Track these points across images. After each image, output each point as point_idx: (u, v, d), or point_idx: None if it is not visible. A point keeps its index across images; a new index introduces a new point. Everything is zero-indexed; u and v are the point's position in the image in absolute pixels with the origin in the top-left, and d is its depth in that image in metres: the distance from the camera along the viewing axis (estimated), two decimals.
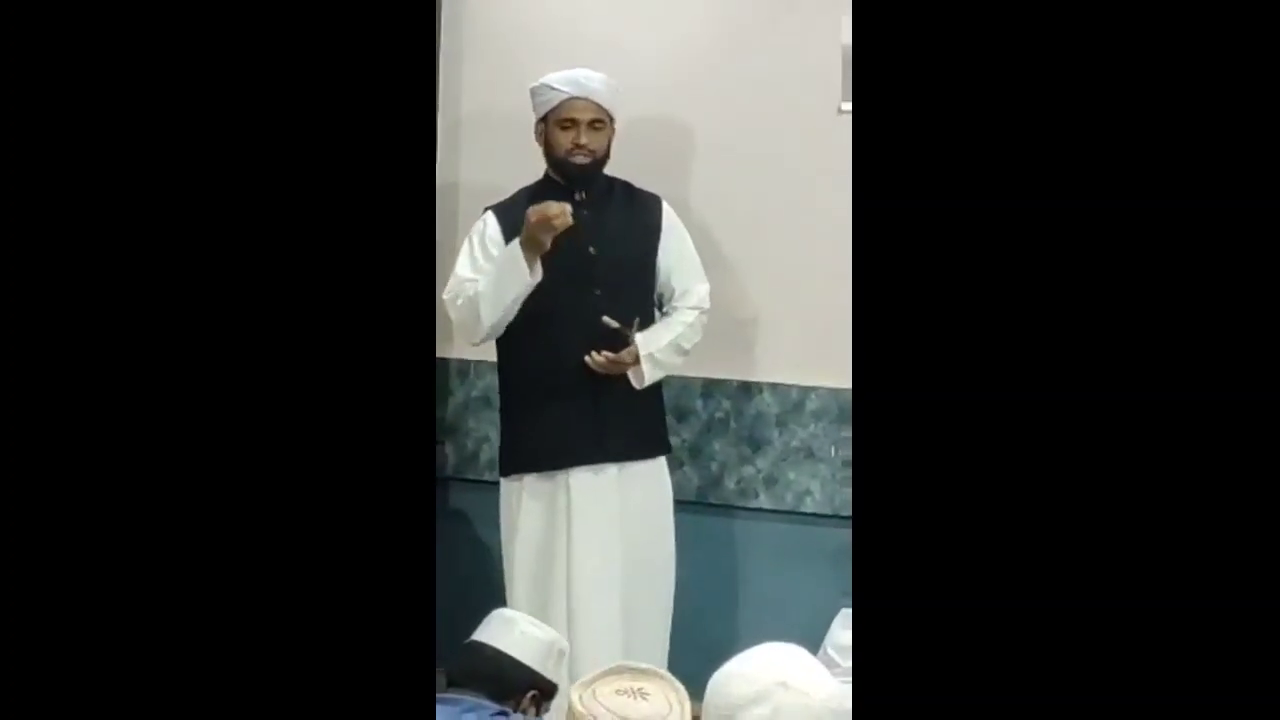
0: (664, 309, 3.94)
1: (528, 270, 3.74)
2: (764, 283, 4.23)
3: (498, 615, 3.15)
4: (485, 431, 4.43)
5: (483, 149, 4.42)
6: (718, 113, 4.24)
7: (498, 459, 4.04)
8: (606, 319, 3.78)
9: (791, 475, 4.22)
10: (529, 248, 3.73)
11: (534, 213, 3.72)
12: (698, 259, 3.97)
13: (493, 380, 4.16)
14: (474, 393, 4.46)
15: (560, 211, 3.70)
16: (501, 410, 4.01)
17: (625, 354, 3.80)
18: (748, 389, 4.26)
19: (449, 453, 4.51)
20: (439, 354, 4.30)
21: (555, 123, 3.86)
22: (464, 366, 4.46)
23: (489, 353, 4.03)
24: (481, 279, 3.81)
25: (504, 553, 3.95)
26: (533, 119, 3.91)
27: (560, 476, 3.87)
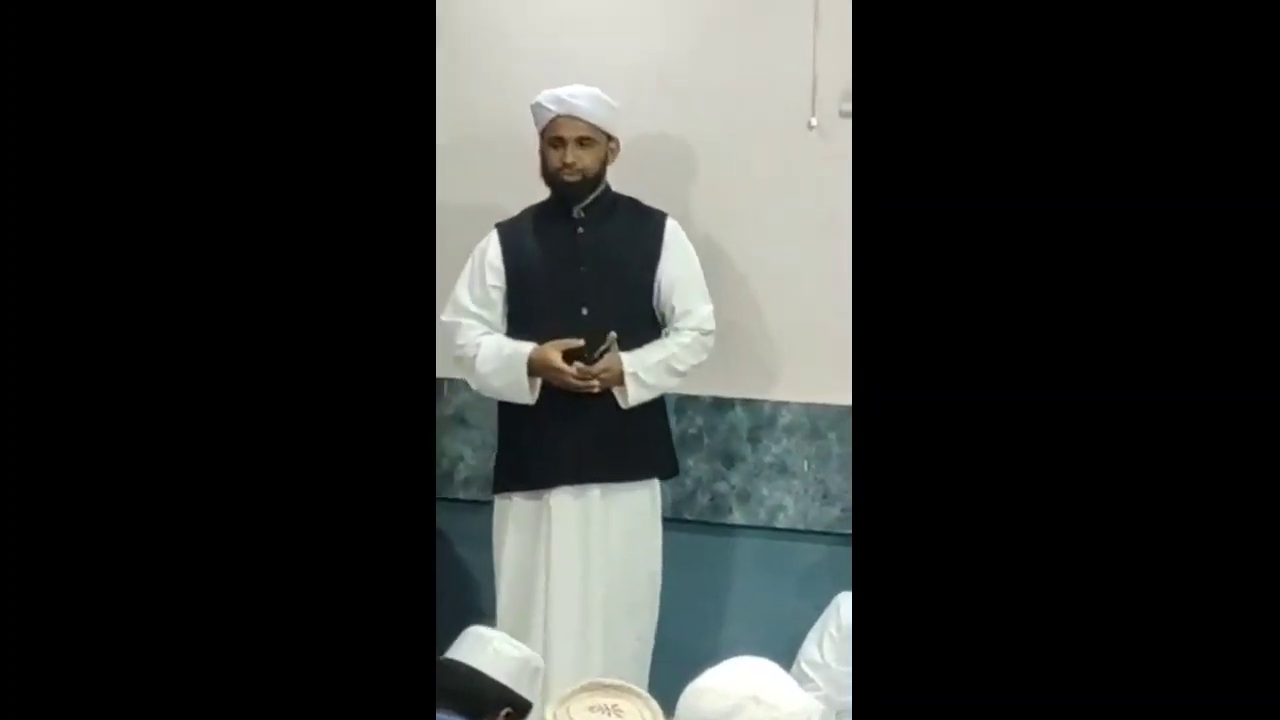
0: (666, 329, 3.92)
1: (530, 397, 3.83)
2: (736, 298, 4.22)
3: (471, 633, 3.15)
4: (459, 450, 4.43)
5: (461, 168, 4.41)
6: (691, 126, 4.24)
7: (476, 478, 4.05)
8: (613, 335, 3.78)
9: (765, 490, 4.23)
10: (535, 374, 3.81)
11: (559, 369, 3.78)
12: (702, 278, 3.94)
13: (467, 398, 4.17)
14: (448, 411, 4.45)
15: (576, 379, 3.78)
16: (498, 428, 4.02)
17: (601, 370, 3.79)
18: (720, 405, 4.26)
19: None
20: None
21: (547, 141, 3.87)
22: (438, 385, 4.46)
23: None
24: (489, 361, 3.85)
25: (494, 570, 3.97)
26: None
27: (544, 496, 3.87)
